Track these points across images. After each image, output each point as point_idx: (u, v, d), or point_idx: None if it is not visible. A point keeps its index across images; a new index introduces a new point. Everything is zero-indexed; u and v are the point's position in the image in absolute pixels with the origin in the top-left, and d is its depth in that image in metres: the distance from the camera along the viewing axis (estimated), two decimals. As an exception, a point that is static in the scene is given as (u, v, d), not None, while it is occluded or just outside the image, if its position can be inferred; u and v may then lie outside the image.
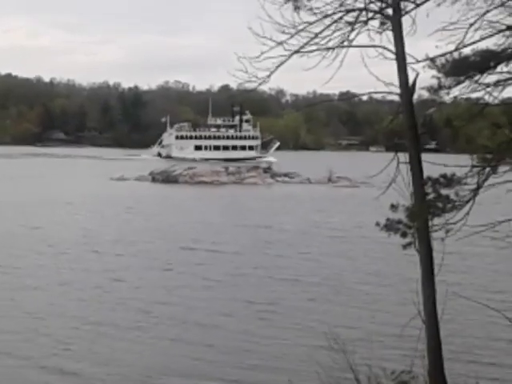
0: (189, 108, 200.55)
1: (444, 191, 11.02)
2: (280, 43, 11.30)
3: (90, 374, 19.36)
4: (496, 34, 10.77)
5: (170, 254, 37.62)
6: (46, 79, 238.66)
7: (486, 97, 11.25)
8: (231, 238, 43.16)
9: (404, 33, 11.13)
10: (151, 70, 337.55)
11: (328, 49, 11.38)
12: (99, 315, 25.00)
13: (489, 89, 11.05)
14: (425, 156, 11.34)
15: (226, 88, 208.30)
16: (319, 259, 36.28)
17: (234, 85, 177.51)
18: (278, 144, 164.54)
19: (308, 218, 53.24)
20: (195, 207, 61.63)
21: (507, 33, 10.72)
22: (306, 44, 11.38)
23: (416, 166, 11.23)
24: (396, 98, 11.55)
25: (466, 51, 10.84)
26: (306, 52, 11.44)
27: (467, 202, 10.97)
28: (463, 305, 21.66)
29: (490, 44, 10.81)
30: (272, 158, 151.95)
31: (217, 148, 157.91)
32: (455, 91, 11.11)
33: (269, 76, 11.56)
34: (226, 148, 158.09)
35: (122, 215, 54.88)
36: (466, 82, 10.97)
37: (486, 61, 10.78)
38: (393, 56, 11.19)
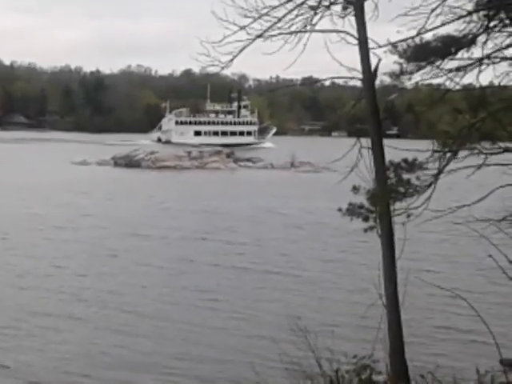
0: (151, 92, 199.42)
1: (406, 176, 11.09)
2: (243, 27, 11.27)
3: (23, 365, 18.65)
4: (457, 19, 10.83)
5: (116, 240, 36.58)
6: (7, 62, 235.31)
7: (447, 82, 11.35)
8: (184, 224, 42.31)
9: (366, 18, 11.15)
10: (113, 53, 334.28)
11: (291, 33, 11.38)
12: (36, 304, 24.19)
13: (450, 74, 11.13)
14: (386, 141, 11.37)
15: (188, 72, 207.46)
16: (275, 246, 35.65)
17: (196, 69, 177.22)
18: (274, 130, 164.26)
19: (266, 204, 52.56)
20: (152, 192, 60.42)
21: (468, 18, 10.79)
22: (269, 28, 11.36)
23: (378, 151, 11.28)
24: (358, 83, 11.58)
25: (428, 37, 10.92)
26: (269, 36, 11.43)
27: (428, 186, 11.06)
28: (424, 289, 21.79)
29: (451, 30, 10.89)
30: (270, 143, 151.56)
31: (216, 133, 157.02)
32: (417, 77, 11.19)
33: (231, 60, 11.54)
34: (224, 133, 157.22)
35: (71, 199, 53.25)
36: (428, 68, 11.04)
37: (447, 46, 10.84)
38: (355, 41, 11.20)
